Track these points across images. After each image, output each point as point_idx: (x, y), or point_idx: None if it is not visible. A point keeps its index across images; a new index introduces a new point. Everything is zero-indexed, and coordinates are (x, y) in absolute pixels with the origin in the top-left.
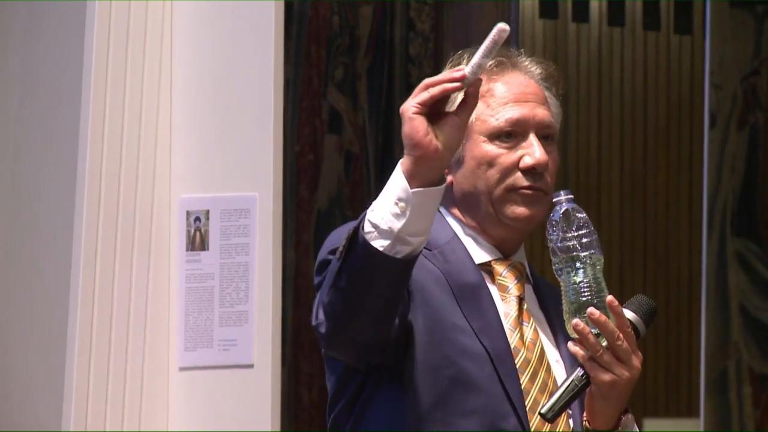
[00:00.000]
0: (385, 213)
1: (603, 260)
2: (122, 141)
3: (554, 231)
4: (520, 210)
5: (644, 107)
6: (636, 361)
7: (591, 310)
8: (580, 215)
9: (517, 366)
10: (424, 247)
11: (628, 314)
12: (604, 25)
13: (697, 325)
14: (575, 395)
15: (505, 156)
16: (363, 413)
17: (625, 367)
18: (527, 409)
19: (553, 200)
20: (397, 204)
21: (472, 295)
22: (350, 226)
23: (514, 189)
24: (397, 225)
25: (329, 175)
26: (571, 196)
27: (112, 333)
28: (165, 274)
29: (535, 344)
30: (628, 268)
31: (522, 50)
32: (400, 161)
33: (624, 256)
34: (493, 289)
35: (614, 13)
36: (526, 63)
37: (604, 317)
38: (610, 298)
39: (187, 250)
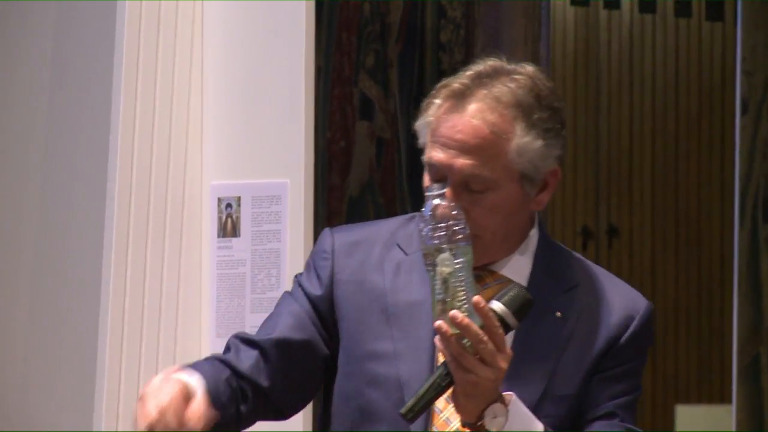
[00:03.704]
0: None
1: (471, 256)
2: (154, 129)
3: (423, 226)
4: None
5: (675, 94)
6: (501, 361)
7: (453, 313)
8: (447, 211)
9: None
10: (402, 249)
11: (498, 308)
12: (636, 12)
13: (729, 311)
14: (437, 395)
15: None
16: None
17: (489, 368)
18: (438, 429)
19: (427, 193)
20: None
21: (408, 313)
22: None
23: None
24: None
25: (361, 161)
26: (443, 192)
27: (144, 319)
28: (197, 261)
29: None
30: (660, 254)
31: (490, 79)
32: None
33: (656, 242)
34: None
35: (645, 0)
36: (473, 106)
37: (466, 320)
38: (476, 298)
39: (219, 236)
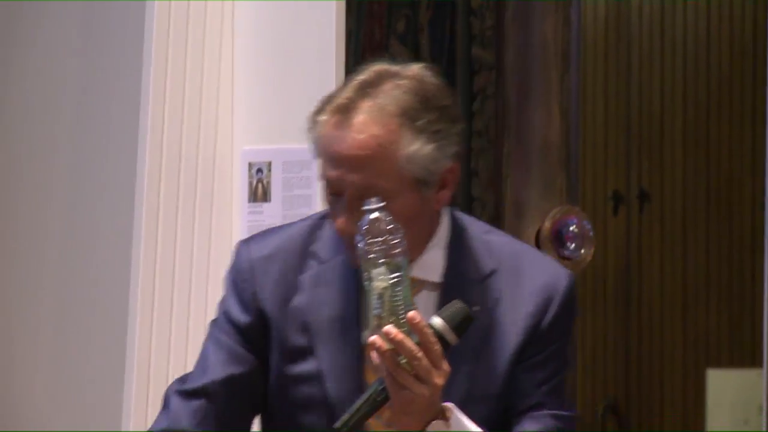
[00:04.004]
0: None
1: (408, 271)
2: (185, 94)
3: (360, 239)
4: (353, 262)
5: (707, 56)
6: (437, 377)
7: (387, 328)
8: (383, 225)
9: None
10: (318, 257)
11: (437, 323)
12: None
13: (760, 275)
14: (373, 410)
15: (332, 206)
16: None
17: (425, 385)
18: None
19: (363, 207)
20: None
21: (332, 330)
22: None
23: (342, 240)
24: None
25: None
26: (381, 205)
27: (174, 285)
28: (227, 226)
29: None
30: (691, 218)
31: (373, 90)
32: None
33: (687, 206)
34: None
35: None
36: (358, 119)
37: (401, 336)
38: (411, 314)
39: (250, 201)
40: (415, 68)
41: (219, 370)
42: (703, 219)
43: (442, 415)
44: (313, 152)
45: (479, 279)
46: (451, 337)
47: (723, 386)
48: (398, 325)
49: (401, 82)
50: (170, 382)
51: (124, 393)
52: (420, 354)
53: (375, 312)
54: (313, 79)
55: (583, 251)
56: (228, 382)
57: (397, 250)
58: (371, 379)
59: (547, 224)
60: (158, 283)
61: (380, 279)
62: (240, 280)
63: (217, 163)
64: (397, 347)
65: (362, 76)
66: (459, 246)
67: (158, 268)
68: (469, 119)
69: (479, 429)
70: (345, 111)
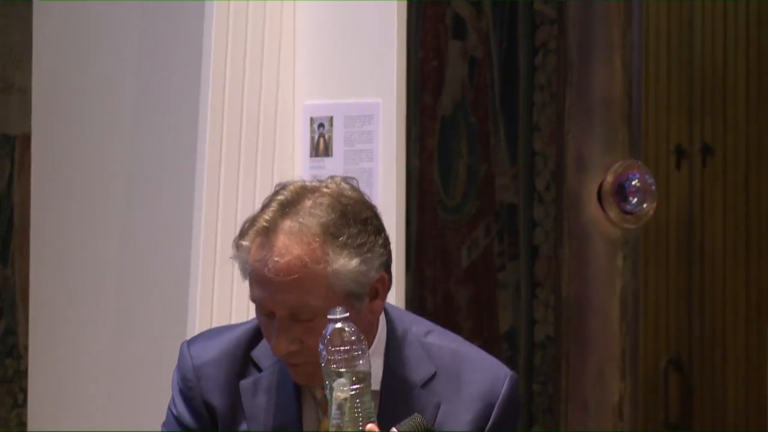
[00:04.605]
0: None
1: (369, 382)
2: (246, 50)
3: (322, 348)
4: (296, 378)
5: None
6: None
7: None
8: (347, 336)
9: None
10: (257, 364)
11: None
12: None
13: None
14: None
15: (264, 326)
16: None
17: None
18: None
19: (328, 316)
20: None
21: None
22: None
23: (279, 360)
24: None
25: (453, 80)
26: (346, 315)
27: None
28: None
29: None
30: (754, 173)
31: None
32: None
33: (749, 161)
34: (314, 410)
35: None
36: (280, 241)
37: None
38: (370, 426)
39: (311, 156)
40: (332, 184)
41: None
42: (765, 172)
43: None
44: (241, 271)
45: (418, 384)
46: None
47: None
48: None
49: (320, 199)
50: None
51: None
52: None
53: (335, 422)
54: (374, 34)
55: (645, 206)
56: None
57: (360, 361)
58: None
59: (609, 179)
60: (220, 240)
61: (341, 390)
62: (187, 388)
63: (279, 118)
64: None
65: (281, 196)
66: (397, 351)
67: (220, 227)
68: (531, 74)
69: None
70: (266, 233)
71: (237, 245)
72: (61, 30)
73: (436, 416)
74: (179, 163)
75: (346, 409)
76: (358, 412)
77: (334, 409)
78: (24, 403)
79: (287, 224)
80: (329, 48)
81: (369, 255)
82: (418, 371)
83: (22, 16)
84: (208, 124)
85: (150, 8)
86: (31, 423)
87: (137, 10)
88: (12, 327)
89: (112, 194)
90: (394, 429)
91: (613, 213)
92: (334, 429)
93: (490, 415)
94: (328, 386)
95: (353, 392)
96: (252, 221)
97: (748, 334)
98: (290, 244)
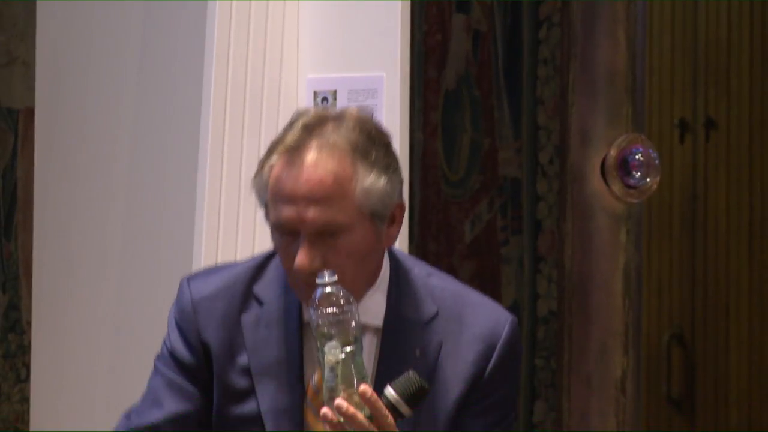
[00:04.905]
0: None
1: (360, 344)
2: (250, 22)
3: (313, 311)
4: (307, 301)
5: None
6: None
7: (338, 402)
8: (337, 299)
9: None
10: (259, 299)
11: (390, 395)
12: None
13: None
14: None
15: (285, 249)
16: None
17: None
18: None
19: (317, 281)
20: None
21: (274, 373)
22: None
23: (297, 284)
24: None
25: (457, 54)
26: (334, 279)
27: (239, 216)
28: None
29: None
30: (758, 147)
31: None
32: None
33: (753, 135)
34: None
35: None
36: (311, 156)
37: (351, 410)
38: (362, 387)
39: None
40: (353, 111)
41: (168, 408)
42: None
43: None
44: (260, 198)
45: (421, 323)
46: (405, 409)
47: None
48: (350, 398)
49: (344, 122)
50: None
51: None
52: (371, 428)
53: (327, 384)
54: (378, 7)
55: (648, 179)
56: (177, 419)
57: (351, 324)
58: (312, 420)
59: (613, 152)
60: (223, 214)
61: (332, 353)
62: (184, 320)
63: (283, 91)
64: (347, 420)
65: (303, 120)
66: (400, 289)
67: (223, 199)
68: (535, 47)
69: None
70: (295, 151)
71: (261, 166)
72: (65, 3)
73: (438, 355)
74: (183, 135)
75: (339, 372)
76: (350, 374)
77: (327, 372)
78: (27, 378)
79: (315, 142)
80: (333, 22)
81: (394, 177)
82: (421, 310)
83: None
84: (212, 98)
85: None
86: (34, 398)
87: None
88: (15, 302)
89: (115, 168)
90: (388, 386)
91: (616, 187)
92: (327, 392)
93: (491, 356)
94: (320, 350)
95: (344, 355)
96: (276, 143)
97: (752, 309)
98: (320, 160)
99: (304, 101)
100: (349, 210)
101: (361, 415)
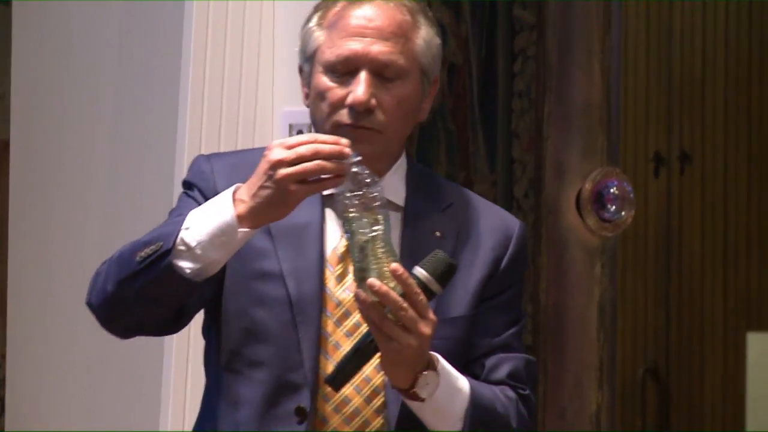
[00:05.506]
0: (204, 239)
1: (389, 223)
2: (225, 55)
3: (339, 193)
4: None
5: (749, 17)
6: (424, 327)
7: (371, 281)
8: (363, 178)
9: (327, 306)
10: None
11: (420, 274)
12: None
13: None
14: (362, 362)
15: (334, 91)
16: (205, 350)
17: (412, 335)
18: (326, 351)
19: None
20: (219, 236)
21: (294, 235)
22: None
23: (339, 125)
24: (212, 255)
25: None
26: (359, 158)
27: None
28: None
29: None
30: (732, 181)
31: None
32: (237, 195)
33: (728, 169)
34: (338, 222)
35: None
36: (376, 1)
37: (384, 288)
38: (394, 265)
39: None
40: None
41: None
42: (744, 181)
43: (431, 366)
44: (315, 39)
45: (438, 210)
46: (435, 287)
47: (763, 350)
48: (381, 277)
49: None
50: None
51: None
52: (405, 305)
53: (358, 265)
54: None
55: (623, 213)
56: None
57: (377, 203)
58: (332, 286)
59: (588, 186)
60: None
61: (361, 232)
62: (201, 180)
63: (258, 124)
64: (381, 299)
65: None
66: (417, 178)
67: None
68: (510, 80)
69: (464, 378)
70: None
71: (323, 8)
72: (41, 36)
73: (455, 241)
74: (158, 170)
75: (368, 252)
76: (380, 254)
77: (356, 252)
78: (2, 412)
79: None
80: None
81: (441, 42)
82: (436, 199)
83: (1, 21)
84: (187, 132)
85: (128, 17)
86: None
87: (116, 17)
88: None
89: (90, 201)
90: (417, 267)
91: (591, 221)
92: (358, 272)
93: (508, 246)
94: (349, 230)
95: (374, 233)
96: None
97: (726, 342)
98: (387, 3)
99: (280, 134)
100: (410, 56)
101: (394, 293)
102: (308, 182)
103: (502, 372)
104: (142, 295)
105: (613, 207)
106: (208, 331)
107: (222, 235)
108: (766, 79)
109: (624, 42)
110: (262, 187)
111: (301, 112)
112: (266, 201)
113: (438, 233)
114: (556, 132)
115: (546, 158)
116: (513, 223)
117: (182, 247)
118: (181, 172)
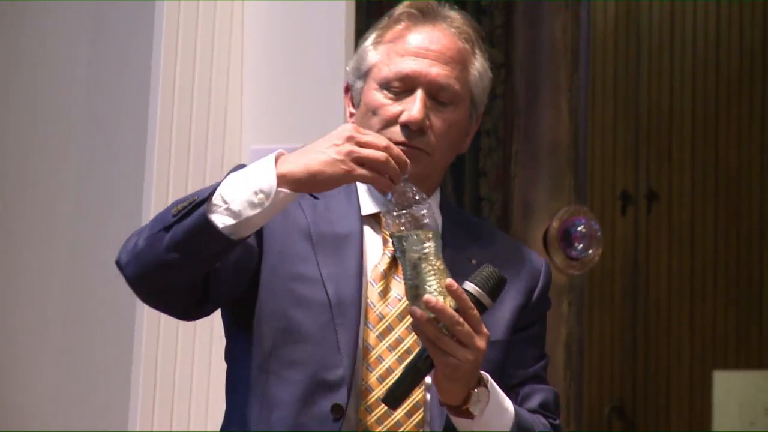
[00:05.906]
0: (242, 195)
1: (440, 241)
2: (193, 93)
3: (387, 211)
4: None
5: (716, 55)
6: (479, 341)
7: (427, 297)
8: (411, 195)
9: (369, 319)
10: (312, 195)
11: (471, 289)
12: None
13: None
14: (418, 379)
15: (388, 107)
16: (230, 350)
17: (468, 350)
18: (368, 363)
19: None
20: (257, 194)
21: (335, 243)
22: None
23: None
24: (248, 213)
25: None
26: (405, 176)
27: None
28: None
29: (400, 300)
30: (699, 219)
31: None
32: (282, 157)
33: (695, 206)
34: (376, 240)
35: None
36: (442, 21)
37: (440, 304)
38: (448, 281)
39: None
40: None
41: None
42: (711, 219)
43: (482, 382)
44: (373, 56)
45: (471, 239)
46: (487, 301)
47: (730, 388)
48: (435, 294)
49: (461, 15)
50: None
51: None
52: (461, 320)
53: (410, 282)
54: (322, 78)
55: (591, 251)
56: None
57: (426, 221)
58: (374, 298)
59: (555, 224)
60: None
61: (414, 250)
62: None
63: (226, 162)
64: (437, 315)
65: (408, 9)
66: (449, 209)
67: None
68: None
69: (507, 398)
70: (427, 13)
71: (385, 29)
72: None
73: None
74: (125, 208)
75: (420, 269)
76: (433, 270)
77: (409, 270)
78: None
79: (442, 13)
80: (277, 92)
81: (484, 80)
82: (469, 230)
83: None
84: (154, 171)
85: (95, 54)
86: None
87: (84, 44)
88: None
89: (59, 216)
90: (467, 282)
91: (558, 259)
92: (411, 290)
93: (539, 277)
94: (399, 248)
95: (426, 250)
96: (403, 9)
97: (692, 380)
98: (449, 29)
99: None
100: (465, 84)
101: (450, 309)
102: (363, 168)
103: (534, 401)
104: (173, 247)
105: (581, 245)
106: (235, 332)
107: (260, 192)
108: (732, 118)
109: (592, 79)
110: (320, 152)
111: (270, 150)
112: (316, 166)
113: (474, 261)
114: (524, 170)
115: (513, 196)
116: (539, 259)
117: (218, 202)
118: (150, 212)
